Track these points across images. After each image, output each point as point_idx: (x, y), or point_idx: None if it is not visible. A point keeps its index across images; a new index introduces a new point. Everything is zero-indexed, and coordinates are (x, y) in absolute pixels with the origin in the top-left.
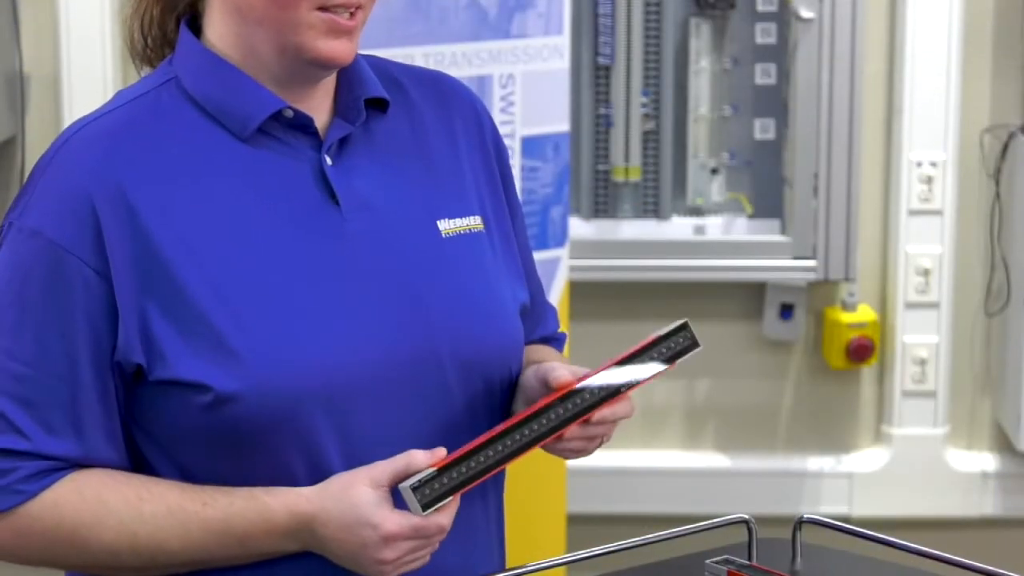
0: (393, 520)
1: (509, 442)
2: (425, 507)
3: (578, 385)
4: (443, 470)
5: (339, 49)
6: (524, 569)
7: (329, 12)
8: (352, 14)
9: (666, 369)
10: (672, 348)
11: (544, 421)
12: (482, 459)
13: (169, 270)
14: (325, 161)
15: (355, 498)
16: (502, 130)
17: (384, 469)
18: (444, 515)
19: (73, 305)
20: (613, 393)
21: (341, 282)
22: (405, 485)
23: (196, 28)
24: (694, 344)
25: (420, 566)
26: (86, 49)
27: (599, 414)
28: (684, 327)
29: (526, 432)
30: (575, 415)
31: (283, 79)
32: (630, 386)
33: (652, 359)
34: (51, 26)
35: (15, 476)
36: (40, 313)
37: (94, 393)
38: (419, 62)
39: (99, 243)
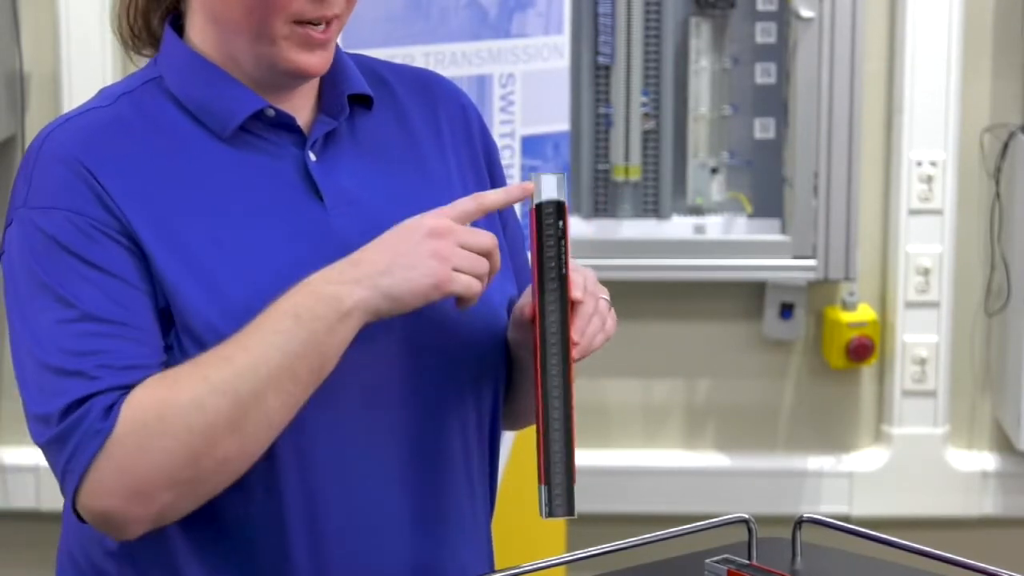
0: (433, 213)
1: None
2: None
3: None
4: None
5: (312, 62)
6: (524, 569)
7: (303, 26)
8: (327, 25)
9: (563, 232)
10: (553, 230)
11: (553, 360)
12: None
13: (153, 266)
14: (309, 157)
15: (393, 228)
16: (502, 130)
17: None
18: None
19: (109, 251)
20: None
21: None
22: None
23: (180, 28)
24: (560, 206)
25: (476, 291)
26: (86, 49)
27: (576, 329)
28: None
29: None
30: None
31: (263, 83)
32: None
33: (551, 247)
34: (51, 26)
35: (89, 420)
36: (78, 270)
37: (152, 315)
38: (419, 62)
39: (108, 205)
